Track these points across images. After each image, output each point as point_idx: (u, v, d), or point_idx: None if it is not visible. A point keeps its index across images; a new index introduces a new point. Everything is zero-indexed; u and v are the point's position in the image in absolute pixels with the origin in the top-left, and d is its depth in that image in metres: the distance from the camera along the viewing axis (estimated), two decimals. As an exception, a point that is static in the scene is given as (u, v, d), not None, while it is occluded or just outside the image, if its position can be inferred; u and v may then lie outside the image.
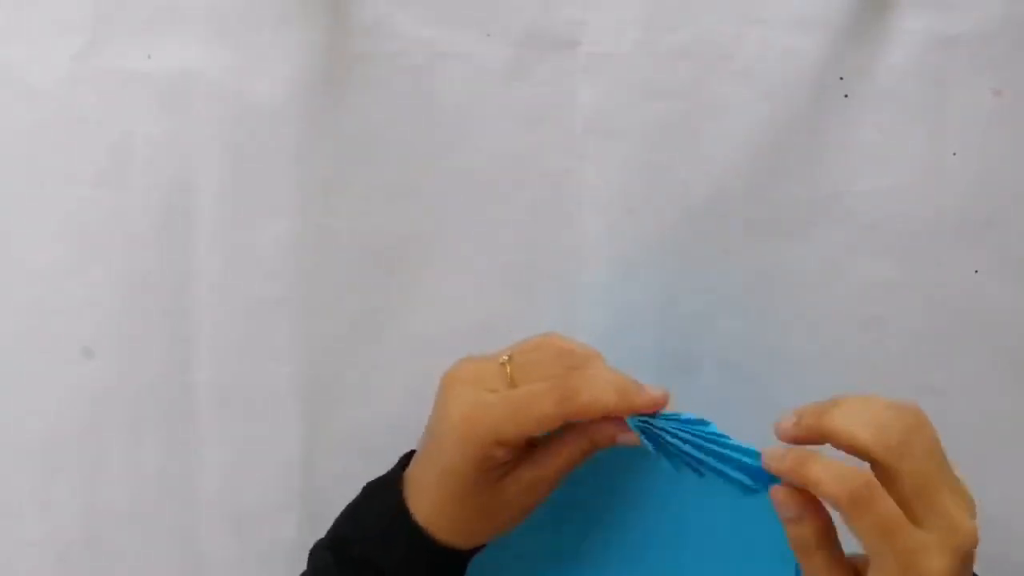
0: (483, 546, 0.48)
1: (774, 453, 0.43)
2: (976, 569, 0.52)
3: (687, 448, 0.44)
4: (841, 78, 0.56)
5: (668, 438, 0.44)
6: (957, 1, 0.56)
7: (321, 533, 0.53)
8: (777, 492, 0.43)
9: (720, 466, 0.44)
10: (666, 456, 0.45)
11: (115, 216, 0.55)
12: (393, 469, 0.49)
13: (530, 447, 0.46)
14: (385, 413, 0.56)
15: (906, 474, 0.41)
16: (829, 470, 0.41)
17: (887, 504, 0.40)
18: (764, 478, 0.44)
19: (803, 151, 0.56)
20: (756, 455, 0.44)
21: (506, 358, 0.47)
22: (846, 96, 0.56)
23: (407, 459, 0.49)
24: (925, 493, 0.41)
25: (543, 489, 0.47)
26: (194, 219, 0.55)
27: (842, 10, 0.56)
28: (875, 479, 0.41)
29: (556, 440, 0.46)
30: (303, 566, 0.52)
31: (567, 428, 0.46)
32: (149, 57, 0.55)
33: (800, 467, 0.41)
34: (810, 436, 0.43)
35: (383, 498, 0.48)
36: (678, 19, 0.56)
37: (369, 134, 0.55)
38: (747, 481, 0.44)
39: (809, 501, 0.42)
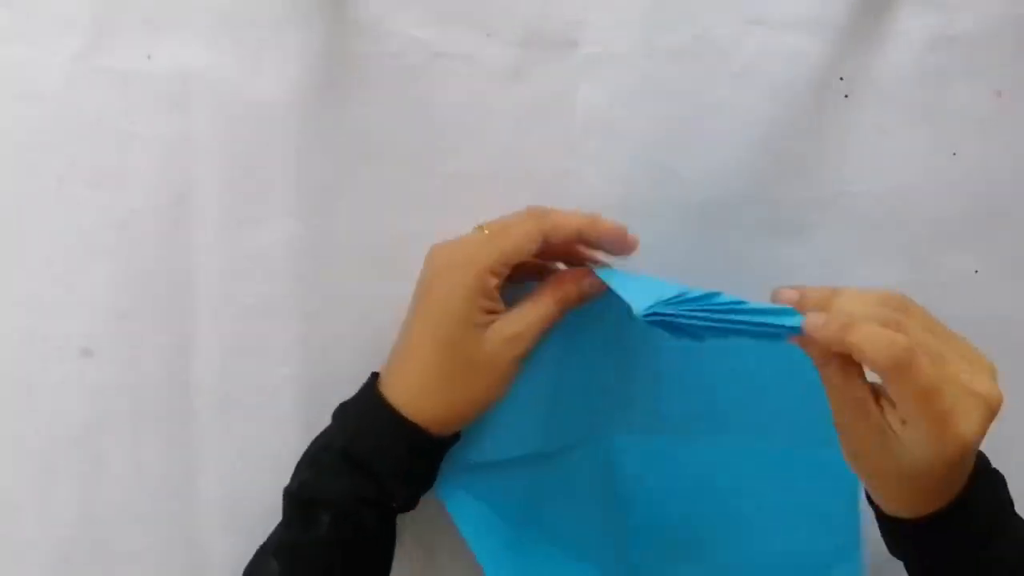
0: (458, 436, 0.50)
1: (815, 320, 0.44)
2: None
3: (706, 324, 0.45)
4: (841, 78, 0.56)
5: (683, 321, 0.45)
6: (957, 1, 0.57)
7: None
8: (801, 340, 0.44)
9: (744, 329, 0.45)
10: (688, 337, 0.45)
11: (115, 216, 0.55)
12: (361, 387, 0.51)
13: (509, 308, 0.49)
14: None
15: (920, 376, 0.42)
16: (871, 337, 0.42)
17: (925, 370, 0.42)
18: (786, 333, 0.45)
19: (803, 151, 0.56)
20: (775, 311, 0.45)
21: (481, 225, 0.50)
22: (846, 96, 0.56)
23: (375, 375, 0.51)
24: (940, 366, 0.43)
25: (521, 345, 0.48)
26: (194, 219, 0.55)
27: (842, 10, 0.56)
28: (914, 346, 0.42)
29: (530, 296, 0.50)
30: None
31: (540, 284, 0.50)
32: (149, 57, 0.55)
33: (843, 333, 0.43)
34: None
35: (359, 401, 0.50)
36: (678, 19, 0.56)
37: (369, 134, 0.55)
38: (783, 330, 0.45)
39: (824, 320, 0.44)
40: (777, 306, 0.45)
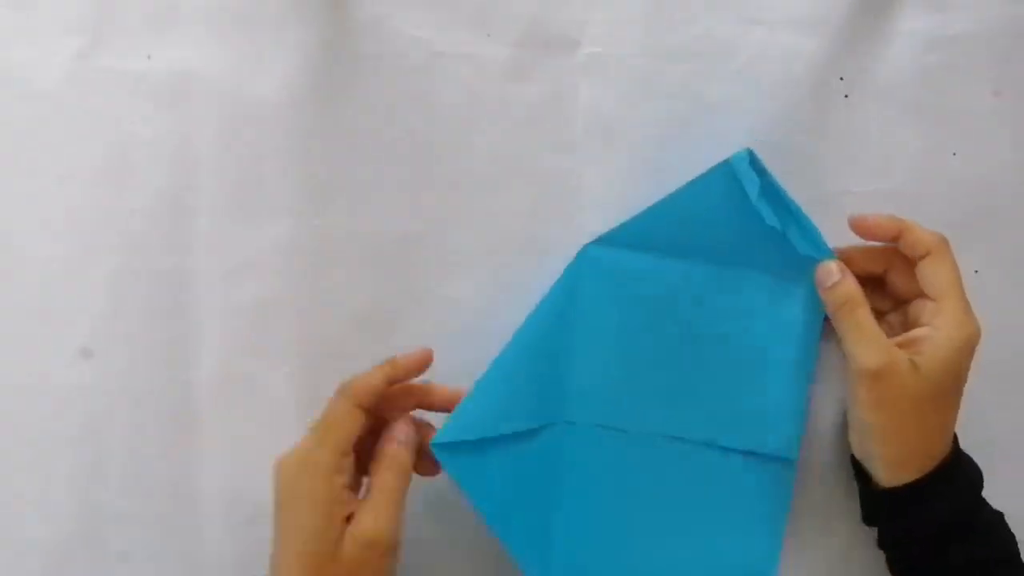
0: None
1: (869, 215, 0.53)
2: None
3: (783, 201, 0.52)
4: (841, 78, 0.56)
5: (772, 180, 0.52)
6: (957, 1, 0.57)
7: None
8: (827, 264, 0.52)
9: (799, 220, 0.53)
10: (767, 199, 0.52)
11: (115, 216, 0.55)
12: None
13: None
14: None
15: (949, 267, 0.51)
16: (918, 225, 0.51)
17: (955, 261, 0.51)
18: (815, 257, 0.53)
19: (803, 151, 0.56)
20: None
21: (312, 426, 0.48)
22: (846, 96, 0.56)
23: None
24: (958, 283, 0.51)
25: (382, 545, 0.46)
26: (194, 219, 0.55)
27: (842, 10, 0.56)
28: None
29: (371, 486, 0.48)
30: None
31: (372, 470, 0.48)
32: (149, 57, 0.55)
33: (896, 219, 0.52)
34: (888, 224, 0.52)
35: None
36: (678, 19, 0.56)
37: (369, 134, 0.55)
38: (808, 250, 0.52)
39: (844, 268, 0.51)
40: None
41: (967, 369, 0.50)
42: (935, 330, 0.49)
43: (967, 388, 0.56)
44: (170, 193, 0.55)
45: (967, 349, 0.49)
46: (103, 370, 0.55)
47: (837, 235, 0.56)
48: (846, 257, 0.52)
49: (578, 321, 0.54)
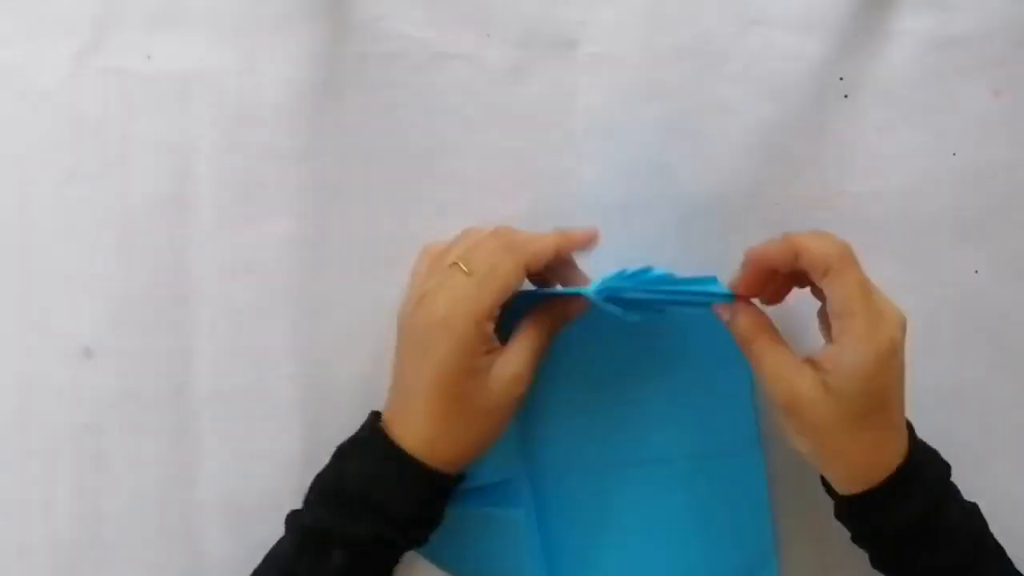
0: (464, 476, 0.51)
1: (765, 243, 0.49)
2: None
3: (646, 297, 0.50)
4: (841, 78, 0.56)
5: (629, 296, 0.49)
6: (957, 1, 0.57)
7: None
8: (716, 307, 0.50)
9: (677, 300, 0.50)
10: (635, 311, 0.49)
11: (115, 216, 0.55)
12: (362, 427, 0.51)
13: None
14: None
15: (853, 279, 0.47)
16: (816, 237, 0.48)
17: (861, 270, 0.48)
18: (717, 299, 0.50)
19: (803, 151, 0.56)
20: (707, 280, 0.50)
21: (452, 262, 0.49)
22: (846, 96, 0.57)
23: (376, 416, 0.50)
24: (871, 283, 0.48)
25: (522, 384, 0.49)
26: (194, 219, 0.55)
27: (842, 10, 0.56)
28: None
29: (522, 330, 0.50)
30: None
31: (529, 316, 0.50)
32: (149, 57, 0.55)
33: (791, 240, 0.48)
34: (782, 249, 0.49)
35: (370, 445, 0.49)
36: (678, 19, 0.56)
37: (369, 134, 0.55)
38: (716, 297, 0.50)
39: (741, 303, 0.50)
40: (702, 276, 0.50)
41: (893, 379, 0.47)
42: (841, 350, 0.46)
43: (965, 387, 0.57)
44: (170, 193, 0.55)
45: (879, 363, 0.46)
46: (103, 370, 0.55)
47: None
48: (750, 265, 0.49)
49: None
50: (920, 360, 0.56)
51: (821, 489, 0.51)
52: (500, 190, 0.56)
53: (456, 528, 0.52)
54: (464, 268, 0.48)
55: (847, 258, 0.47)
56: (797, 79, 0.56)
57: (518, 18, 0.56)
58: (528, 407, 0.54)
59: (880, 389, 0.47)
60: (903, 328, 0.48)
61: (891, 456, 0.48)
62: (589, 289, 0.49)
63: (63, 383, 0.55)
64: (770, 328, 0.50)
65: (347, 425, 0.55)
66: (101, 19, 0.55)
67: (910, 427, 0.50)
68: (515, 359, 0.49)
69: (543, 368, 0.52)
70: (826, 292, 0.47)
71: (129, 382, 0.55)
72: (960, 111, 0.57)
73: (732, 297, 0.50)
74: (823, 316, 0.49)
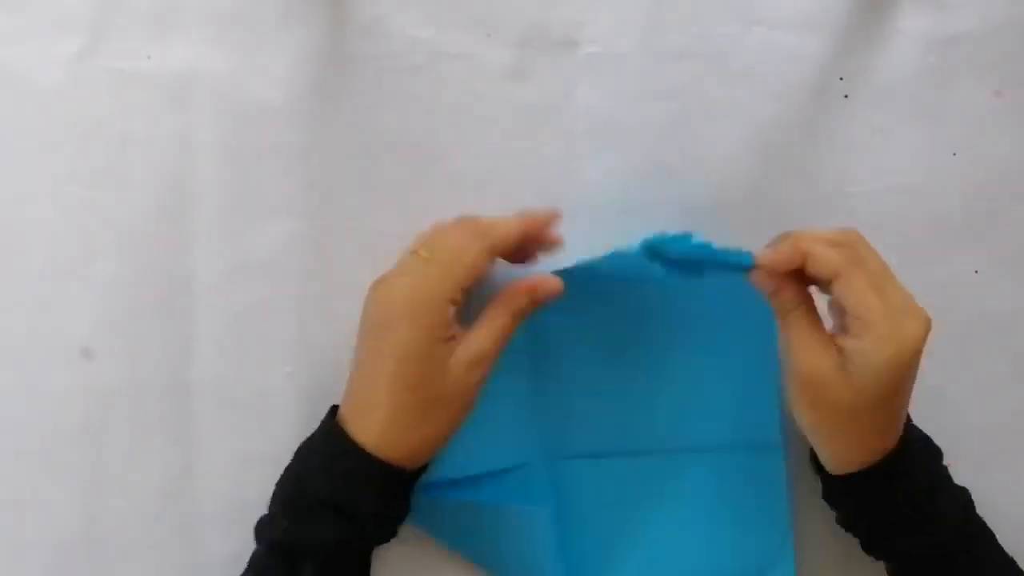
0: (424, 469, 0.50)
1: (774, 249, 0.48)
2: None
3: (688, 257, 0.48)
4: (841, 78, 0.56)
5: (671, 255, 0.48)
6: (957, 1, 0.57)
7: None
8: (758, 275, 0.48)
9: (716, 269, 0.49)
10: (677, 272, 0.48)
11: (115, 216, 0.55)
12: (320, 425, 0.50)
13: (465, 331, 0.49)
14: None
15: (872, 260, 0.47)
16: (821, 241, 0.47)
17: (879, 261, 0.47)
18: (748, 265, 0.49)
19: (803, 151, 0.56)
20: (744, 254, 0.48)
21: (414, 250, 0.49)
22: (846, 96, 0.57)
23: (333, 411, 0.50)
24: (890, 277, 0.47)
25: (482, 369, 0.48)
26: (194, 219, 0.55)
27: (842, 10, 0.56)
28: (864, 238, 0.47)
29: (485, 314, 0.49)
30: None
31: (491, 302, 0.49)
32: (149, 57, 0.55)
33: (799, 243, 0.47)
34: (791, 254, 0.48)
35: (328, 444, 0.49)
36: (678, 19, 0.56)
37: (369, 134, 0.55)
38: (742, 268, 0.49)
39: (784, 276, 0.48)
40: (739, 250, 0.49)
41: (908, 377, 0.47)
42: (861, 346, 0.46)
43: (966, 387, 0.57)
44: (170, 193, 0.55)
45: (898, 363, 0.46)
46: (103, 370, 0.55)
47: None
48: (763, 274, 0.49)
49: (541, 359, 0.55)
50: (920, 360, 0.56)
51: None
52: (500, 190, 0.56)
53: (475, 518, 0.53)
54: (424, 254, 0.48)
55: (853, 260, 0.46)
56: (797, 79, 0.56)
57: (518, 18, 0.56)
58: (548, 391, 0.54)
59: (895, 386, 0.47)
60: (926, 326, 0.47)
61: (884, 444, 0.49)
62: (634, 246, 0.48)
63: (63, 383, 0.55)
64: (808, 301, 0.49)
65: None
66: (101, 19, 0.55)
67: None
68: (477, 341, 0.48)
69: (564, 352, 0.52)
70: (837, 297, 0.47)
71: (129, 382, 0.55)
72: (960, 111, 0.57)
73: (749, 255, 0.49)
74: (835, 305, 0.49)
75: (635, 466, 0.55)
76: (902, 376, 0.47)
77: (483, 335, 0.48)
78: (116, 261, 0.55)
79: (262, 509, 0.52)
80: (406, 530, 0.51)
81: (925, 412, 0.56)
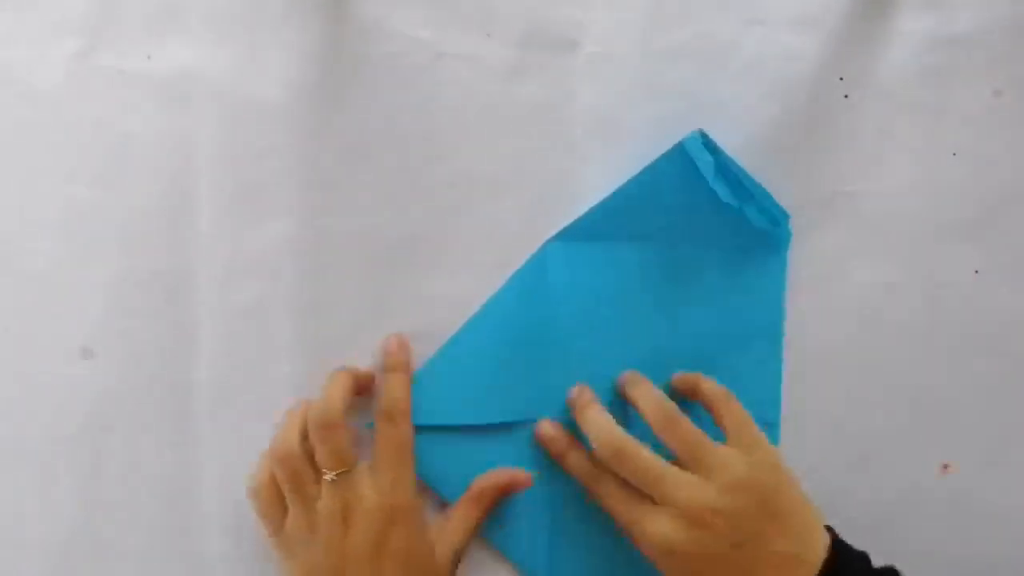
0: None
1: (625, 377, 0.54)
2: (976, 567, 0.52)
3: (732, 170, 0.54)
4: (841, 78, 0.56)
5: (722, 157, 0.53)
6: (957, 1, 0.57)
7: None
8: (541, 427, 0.54)
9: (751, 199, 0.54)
10: (722, 177, 0.53)
11: (115, 216, 0.55)
12: None
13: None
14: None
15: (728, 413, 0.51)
16: (648, 395, 0.51)
17: (690, 427, 0.50)
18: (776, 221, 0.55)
19: (803, 151, 0.56)
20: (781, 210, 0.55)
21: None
22: (846, 96, 0.56)
23: None
24: (742, 428, 0.50)
25: (461, 556, 0.53)
26: (194, 219, 0.55)
27: (842, 10, 0.56)
28: (678, 410, 0.50)
29: (456, 512, 0.53)
30: (303, 566, 0.52)
31: (462, 500, 0.53)
32: (149, 57, 0.55)
33: (629, 387, 0.52)
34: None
35: None
36: (678, 19, 0.56)
37: (369, 134, 0.55)
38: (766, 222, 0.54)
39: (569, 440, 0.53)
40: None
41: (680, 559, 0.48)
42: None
43: (965, 387, 0.57)
44: (170, 193, 0.55)
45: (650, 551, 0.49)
46: (103, 370, 0.55)
47: (837, 235, 0.56)
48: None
49: (549, 320, 0.55)
50: (920, 360, 0.56)
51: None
52: (500, 190, 0.56)
53: (459, 462, 0.54)
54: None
55: (669, 421, 0.50)
56: (797, 79, 0.56)
57: (518, 18, 0.56)
58: (550, 359, 0.55)
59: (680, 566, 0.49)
60: (673, 528, 0.48)
61: None
62: (687, 137, 0.52)
63: (63, 383, 0.55)
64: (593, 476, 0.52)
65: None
66: (101, 19, 0.55)
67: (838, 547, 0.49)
68: (455, 537, 0.52)
69: (567, 321, 0.54)
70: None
71: (129, 382, 0.55)
72: (960, 111, 0.57)
73: (787, 217, 0.55)
74: None
75: (639, 432, 0.55)
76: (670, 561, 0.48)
77: (459, 533, 0.52)
78: (116, 261, 0.55)
79: (262, 509, 0.52)
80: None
81: (924, 413, 0.56)
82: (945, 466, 0.56)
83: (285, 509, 0.51)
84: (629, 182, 0.55)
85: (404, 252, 0.55)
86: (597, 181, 0.56)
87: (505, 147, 0.56)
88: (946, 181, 0.57)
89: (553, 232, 0.56)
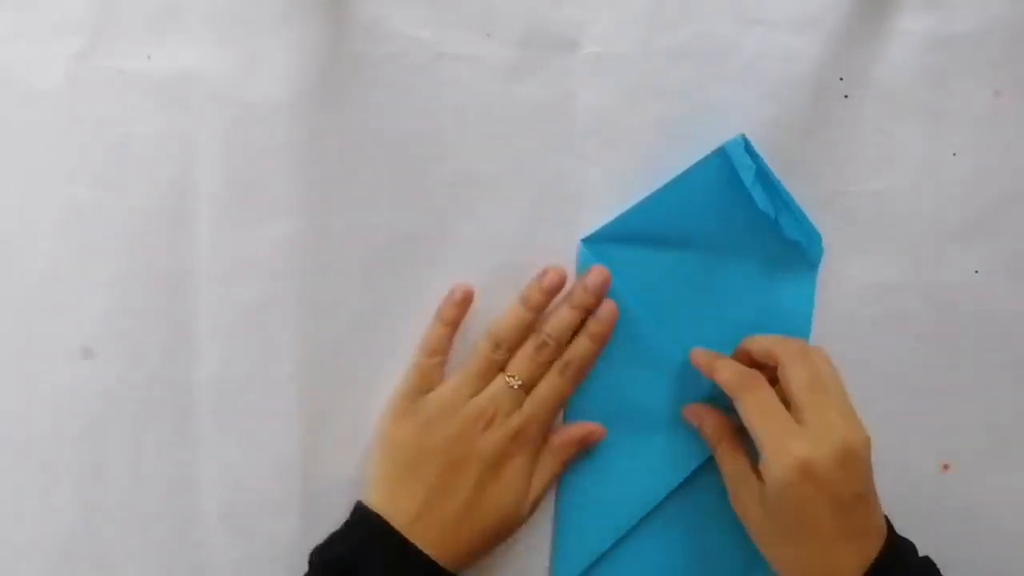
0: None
1: (696, 353, 0.54)
2: (976, 567, 0.52)
3: (774, 187, 0.54)
4: (841, 78, 0.56)
5: (763, 164, 0.54)
6: (957, 1, 0.57)
7: (320, 533, 0.53)
8: (686, 410, 0.55)
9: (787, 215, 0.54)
10: (761, 183, 0.53)
11: (115, 216, 0.55)
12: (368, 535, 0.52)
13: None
14: (385, 413, 0.56)
15: (795, 377, 0.49)
16: (727, 364, 0.52)
17: (768, 393, 0.50)
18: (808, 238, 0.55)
19: (803, 151, 0.56)
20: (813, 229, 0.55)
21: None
22: (846, 96, 0.56)
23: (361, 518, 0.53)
24: (811, 398, 0.49)
25: (533, 509, 0.55)
26: (194, 219, 0.55)
27: (842, 10, 0.56)
28: (761, 375, 0.51)
29: (541, 463, 0.55)
30: (303, 566, 0.52)
31: (545, 451, 0.55)
32: (149, 57, 0.55)
33: (711, 361, 0.53)
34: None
35: (386, 553, 0.51)
36: (678, 19, 0.56)
37: (369, 134, 0.55)
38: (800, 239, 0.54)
39: (706, 411, 0.54)
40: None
41: (806, 498, 0.48)
42: (761, 467, 0.49)
43: (966, 387, 0.57)
44: (170, 193, 0.55)
45: (782, 483, 0.48)
46: (103, 370, 0.55)
47: (837, 235, 0.56)
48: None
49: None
50: (920, 360, 0.56)
51: None
52: (500, 190, 0.56)
53: None
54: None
55: (745, 385, 0.50)
56: (797, 79, 0.56)
57: (518, 18, 0.56)
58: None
59: (798, 506, 0.48)
60: (810, 449, 0.48)
61: (841, 560, 0.48)
62: (730, 141, 0.53)
63: (63, 383, 0.55)
64: (732, 434, 0.53)
65: (347, 424, 0.55)
66: (101, 19, 0.54)
67: (892, 538, 0.49)
68: (538, 488, 0.54)
69: None
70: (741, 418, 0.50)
71: (129, 382, 0.55)
72: (960, 111, 0.57)
73: (819, 237, 0.55)
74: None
75: (649, 439, 0.56)
76: (796, 497, 0.48)
77: (540, 482, 0.55)
78: (116, 261, 0.55)
79: (262, 509, 0.52)
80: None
81: (925, 413, 0.56)
82: (945, 466, 0.56)
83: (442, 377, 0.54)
84: (671, 183, 0.55)
85: (404, 252, 0.55)
86: (597, 181, 0.56)
87: (505, 147, 0.56)
88: (946, 181, 0.57)
89: (553, 232, 0.56)
